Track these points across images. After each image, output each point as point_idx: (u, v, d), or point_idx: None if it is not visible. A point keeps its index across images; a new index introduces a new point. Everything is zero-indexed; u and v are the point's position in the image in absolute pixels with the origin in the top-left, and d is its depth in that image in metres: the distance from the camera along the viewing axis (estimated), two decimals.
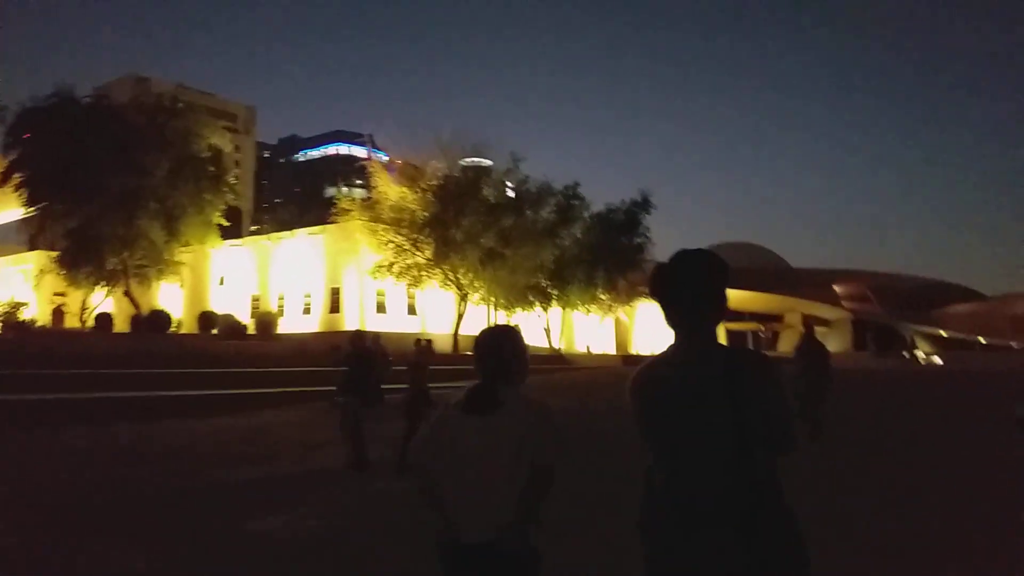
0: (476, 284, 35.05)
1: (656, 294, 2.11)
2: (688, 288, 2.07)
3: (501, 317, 39.92)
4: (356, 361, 8.97)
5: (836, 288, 68.92)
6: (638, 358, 44.30)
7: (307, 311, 39.47)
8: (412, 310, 38.95)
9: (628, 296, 43.45)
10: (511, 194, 36.52)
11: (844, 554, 4.72)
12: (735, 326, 65.66)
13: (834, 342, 65.02)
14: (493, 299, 36.34)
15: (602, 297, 41.53)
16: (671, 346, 2.10)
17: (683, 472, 1.99)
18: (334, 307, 38.38)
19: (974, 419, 12.03)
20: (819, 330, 69.91)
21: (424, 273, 34.35)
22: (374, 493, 7.57)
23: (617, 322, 50.83)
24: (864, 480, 7.56)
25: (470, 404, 2.51)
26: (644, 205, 40.11)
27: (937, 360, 45.84)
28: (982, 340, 62.45)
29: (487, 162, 37.15)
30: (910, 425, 12.26)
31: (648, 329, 54.39)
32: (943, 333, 65.49)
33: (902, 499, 6.84)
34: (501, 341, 2.64)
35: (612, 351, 49.79)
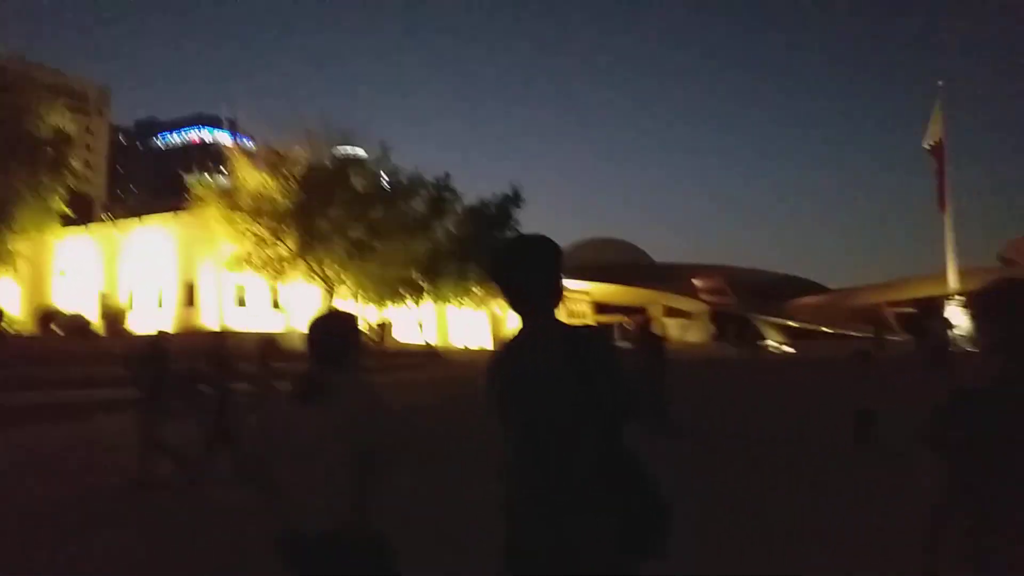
0: (343, 277, 33.93)
1: (496, 278, 2.17)
2: (527, 271, 2.12)
3: (371, 312, 39.02)
4: (147, 363, 8.10)
5: (695, 282, 72.41)
6: None
7: (160, 306, 36.95)
8: (276, 305, 37.31)
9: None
10: (382, 185, 35.67)
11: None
12: (602, 318, 67.51)
13: (694, 333, 68.34)
14: (362, 293, 35.36)
15: (475, 291, 41.37)
16: (519, 328, 2.15)
17: (538, 453, 2.00)
18: (189, 301, 36.11)
19: (816, 405, 12.70)
20: (680, 321, 73.64)
21: (287, 265, 32.84)
22: (212, 503, 6.97)
23: (491, 316, 50.98)
24: (710, 470, 7.75)
25: (300, 393, 2.46)
26: (515, 199, 40.32)
27: (788, 348, 48.98)
28: (826, 329, 67.56)
29: (357, 151, 36.13)
30: (756, 411, 12.82)
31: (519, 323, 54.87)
32: (792, 323, 70.32)
33: (745, 487, 7.01)
34: (332, 327, 2.60)
35: (488, 345, 49.87)
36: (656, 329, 11.09)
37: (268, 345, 9.29)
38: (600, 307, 66.90)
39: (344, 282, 34.22)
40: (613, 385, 1.98)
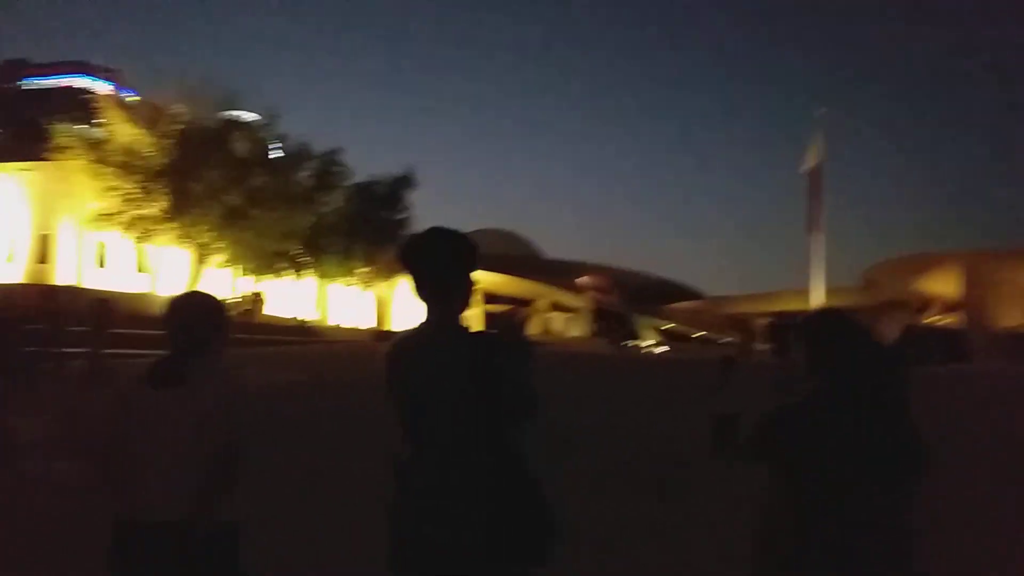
0: (217, 245, 32.18)
1: (408, 266, 2.16)
2: (440, 264, 2.13)
3: (247, 283, 37.33)
4: None
5: (582, 279, 73.90)
6: (391, 334, 43.91)
7: (10, 260, 33.87)
8: (143, 268, 34.98)
9: (388, 271, 42.69)
10: (267, 151, 34.03)
11: None
12: (491, 308, 67.80)
13: (576, 328, 69.73)
14: (237, 262, 33.71)
15: (361, 270, 40.34)
16: (423, 320, 2.15)
17: (430, 449, 2.01)
18: (43, 257, 33.27)
19: (678, 408, 12.95)
20: (564, 316, 74.93)
21: (157, 227, 30.80)
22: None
23: (377, 297, 49.96)
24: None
25: (154, 377, 2.38)
26: (407, 180, 39.55)
27: (662, 348, 50.77)
28: (700, 333, 70.71)
29: (246, 115, 34.34)
30: (619, 407, 12.95)
31: (407, 306, 54.17)
32: (669, 325, 73.12)
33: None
34: (193, 308, 2.50)
35: (371, 326, 48.84)
36: (524, 328, 10.86)
37: (101, 308, 8.53)
38: (489, 297, 67.02)
39: (218, 250, 32.45)
40: (518, 387, 1.99)
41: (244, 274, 35.39)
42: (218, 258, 32.93)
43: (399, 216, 40.28)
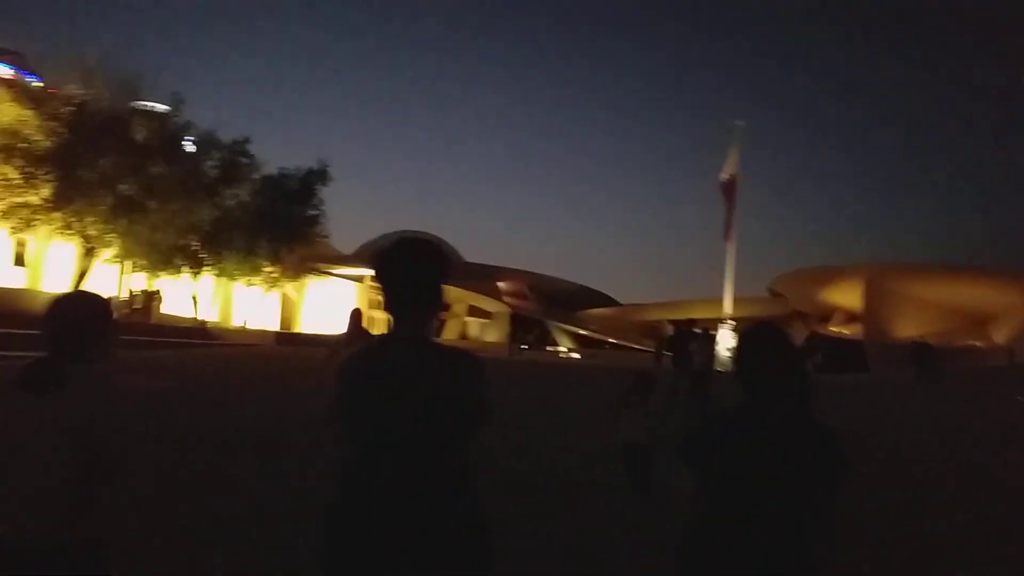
0: (107, 238, 29.79)
1: (380, 276, 2.09)
2: (416, 275, 2.08)
3: (140, 280, 34.93)
4: None
5: (499, 284, 73.49)
6: (297, 337, 42.03)
7: None
8: (21, 261, 32.14)
9: (297, 271, 40.76)
10: (169, 139, 31.63)
11: None
12: None
13: (493, 333, 69.19)
14: (129, 257, 31.35)
15: (266, 269, 38.20)
16: (388, 333, 2.12)
17: (384, 462, 1.97)
18: None
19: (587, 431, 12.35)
20: (481, 322, 74.35)
21: (37, 217, 28.21)
22: None
23: (284, 298, 47.85)
24: None
25: (26, 381, 2.22)
26: (321, 175, 36.95)
27: (575, 355, 50.64)
28: (612, 340, 71.39)
29: (147, 101, 31.94)
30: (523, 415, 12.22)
31: (317, 309, 52.28)
32: (583, 332, 73.56)
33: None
34: (74, 310, 2.36)
35: (276, 328, 46.80)
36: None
37: None
38: None
39: (108, 244, 30.05)
40: (479, 404, 2.00)
41: (137, 270, 33.01)
42: (108, 252, 30.53)
43: (310, 212, 38.20)
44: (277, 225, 35.66)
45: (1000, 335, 37.24)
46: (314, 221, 38.28)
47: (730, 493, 2.17)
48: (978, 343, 45.21)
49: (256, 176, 36.11)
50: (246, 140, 34.60)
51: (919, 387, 21.91)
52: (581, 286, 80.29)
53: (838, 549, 2.21)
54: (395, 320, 2.06)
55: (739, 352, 2.34)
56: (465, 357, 2.03)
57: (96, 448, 2.16)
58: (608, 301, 79.75)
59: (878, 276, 48.08)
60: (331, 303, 51.43)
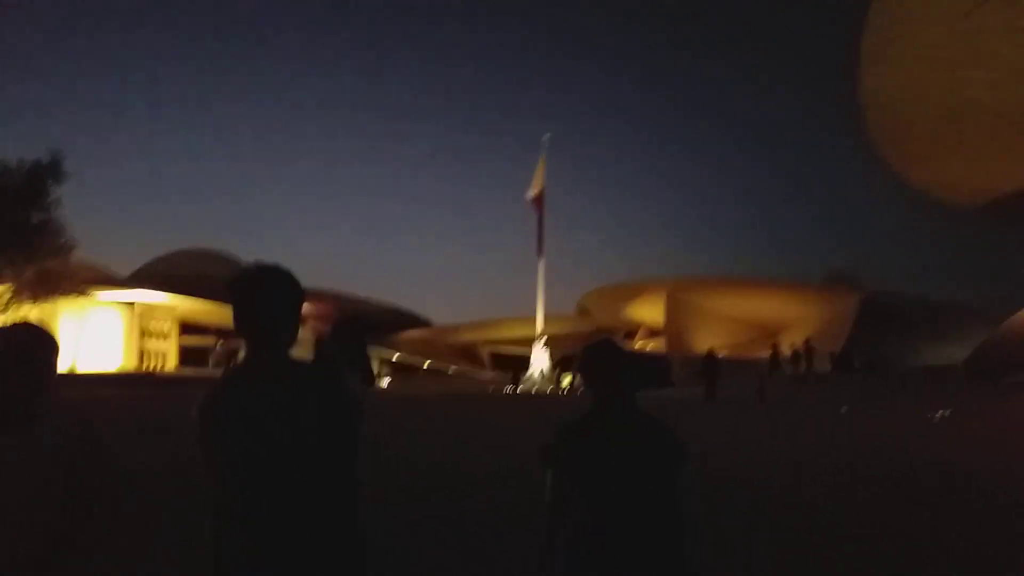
0: None
1: (239, 303, 2.08)
2: (274, 302, 2.10)
3: None
4: None
5: (304, 307, 68.66)
6: None
7: None
8: None
9: (36, 290, 33.48)
10: None
11: None
12: (190, 340, 59.54)
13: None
14: None
15: None
16: (244, 363, 2.08)
17: (263, 500, 1.89)
18: None
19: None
20: None
21: None
22: None
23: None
24: None
25: None
26: (53, 170, 30.57)
27: (384, 382, 47.37)
28: (426, 364, 68.81)
29: None
30: None
31: (75, 336, 44.85)
32: (396, 356, 70.38)
33: None
34: (27, 341, 2.20)
35: None
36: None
37: None
38: (187, 327, 58.92)
39: None
40: (344, 428, 2.00)
41: None
42: None
43: (40, 217, 31.01)
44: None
45: (787, 345, 39.08)
46: (43, 228, 31.44)
47: (598, 493, 2.40)
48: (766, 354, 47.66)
49: None
50: None
51: (707, 404, 22.43)
52: (392, 307, 77.30)
53: (687, 526, 2.42)
54: (253, 348, 2.06)
55: (584, 364, 2.63)
56: (332, 382, 2.05)
57: (72, 482, 2.12)
58: (420, 322, 77.26)
59: (676, 290, 49.41)
60: (95, 331, 44.59)
